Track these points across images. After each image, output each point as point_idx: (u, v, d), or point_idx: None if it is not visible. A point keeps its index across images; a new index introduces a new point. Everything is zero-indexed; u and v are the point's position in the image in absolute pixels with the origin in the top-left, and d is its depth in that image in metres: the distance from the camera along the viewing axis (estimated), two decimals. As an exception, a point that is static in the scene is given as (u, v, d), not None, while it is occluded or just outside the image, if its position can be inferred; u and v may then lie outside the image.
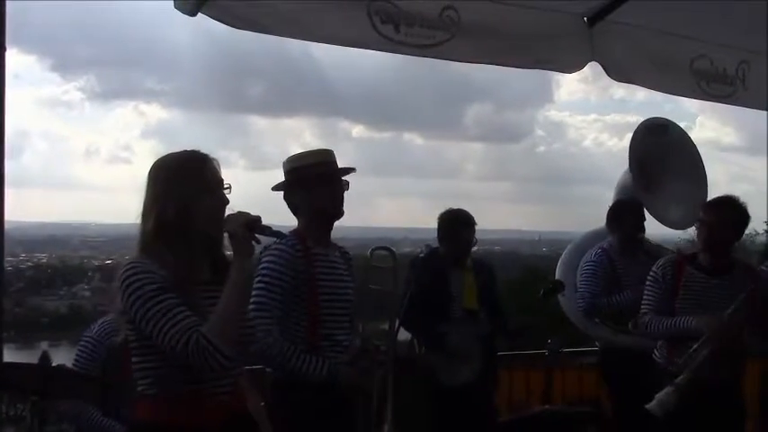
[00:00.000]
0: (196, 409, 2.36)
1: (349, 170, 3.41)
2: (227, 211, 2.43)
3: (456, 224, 4.61)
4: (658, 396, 3.71)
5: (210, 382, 2.37)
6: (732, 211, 3.98)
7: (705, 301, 3.90)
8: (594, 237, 5.39)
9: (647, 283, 4.05)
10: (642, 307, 4.03)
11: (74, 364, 3.60)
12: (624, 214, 5.01)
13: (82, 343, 3.60)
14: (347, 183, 3.38)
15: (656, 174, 5.28)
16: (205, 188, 2.39)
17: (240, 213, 2.39)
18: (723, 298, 3.88)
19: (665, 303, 3.96)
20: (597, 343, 5.28)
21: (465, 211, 4.67)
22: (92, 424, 3.48)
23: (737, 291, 3.87)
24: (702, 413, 3.79)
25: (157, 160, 2.47)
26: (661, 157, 5.27)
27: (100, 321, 3.63)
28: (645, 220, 5.01)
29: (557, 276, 5.42)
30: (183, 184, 2.37)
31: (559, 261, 5.65)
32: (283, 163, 3.44)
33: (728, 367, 3.88)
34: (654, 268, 4.06)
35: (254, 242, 2.40)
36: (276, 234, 2.51)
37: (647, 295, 4.02)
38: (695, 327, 3.80)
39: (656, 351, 4.09)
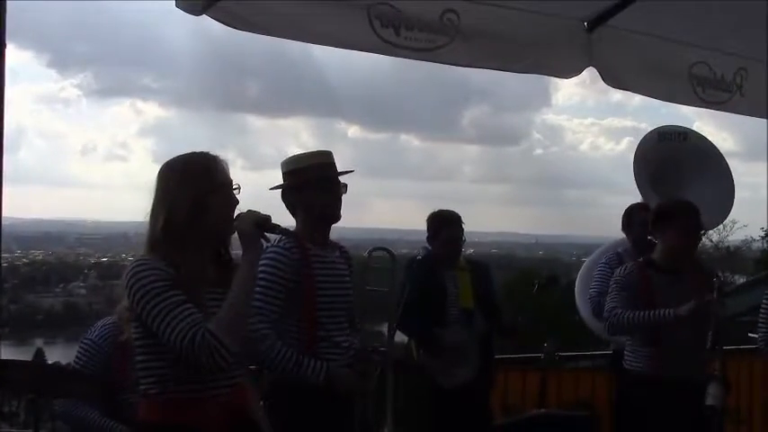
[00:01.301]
0: (198, 409, 2.36)
1: (347, 172, 3.41)
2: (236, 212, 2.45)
3: (443, 223, 4.62)
4: (711, 392, 3.79)
5: (213, 383, 2.37)
6: (698, 215, 4.09)
7: (676, 301, 3.94)
8: (618, 244, 5.44)
9: (614, 287, 4.10)
10: (611, 303, 4.07)
11: (79, 356, 3.56)
12: (634, 217, 5.09)
13: (82, 346, 3.58)
14: (345, 185, 3.38)
15: (676, 178, 5.30)
16: (216, 188, 2.41)
17: (249, 212, 2.42)
18: (687, 296, 3.93)
19: (632, 306, 4.00)
20: (611, 345, 5.31)
21: (452, 211, 4.71)
22: (86, 422, 3.47)
23: (694, 287, 3.96)
24: (667, 414, 3.87)
25: (167, 162, 2.49)
26: (680, 162, 5.29)
27: (101, 324, 3.60)
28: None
29: (578, 279, 5.47)
30: (195, 184, 2.39)
31: (583, 265, 5.72)
32: (282, 163, 3.44)
33: (692, 368, 3.90)
34: (618, 273, 4.12)
35: (262, 240, 2.43)
36: (285, 232, 2.54)
37: (614, 297, 4.07)
38: (675, 315, 3.85)
39: (627, 360, 4.12)
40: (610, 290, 4.12)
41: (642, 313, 3.93)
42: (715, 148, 5.61)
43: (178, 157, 2.48)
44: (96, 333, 3.56)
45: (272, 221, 2.44)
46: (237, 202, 2.46)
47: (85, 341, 3.57)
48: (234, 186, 2.47)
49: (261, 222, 2.40)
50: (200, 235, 2.37)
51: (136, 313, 2.32)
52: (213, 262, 2.45)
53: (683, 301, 3.91)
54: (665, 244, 4.10)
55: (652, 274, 4.06)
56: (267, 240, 2.47)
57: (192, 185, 2.38)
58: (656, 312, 3.91)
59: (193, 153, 2.48)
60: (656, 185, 5.23)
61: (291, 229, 3.23)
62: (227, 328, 2.28)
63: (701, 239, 4.24)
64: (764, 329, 4.07)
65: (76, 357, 3.57)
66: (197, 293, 2.33)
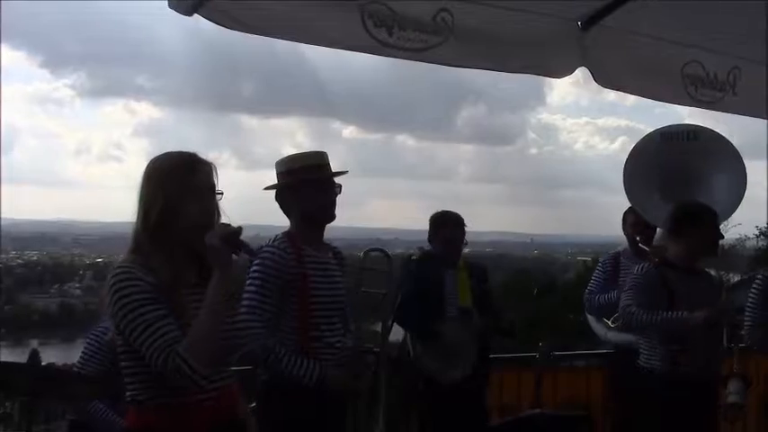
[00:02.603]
0: (183, 416, 2.34)
1: (341, 173, 3.41)
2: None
3: (446, 224, 4.72)
4: (732, 390, 3.82)
5: (198, 389, 2.33)
6: (718, 218, 4.19)
7: (694, 300, 4.01)
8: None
9: (630, 286, 4.13)
10: (625, 300, 4.09)
11: (81, 357, 3.64)
12: (625, 217, 5.20)
13: (94, 332, 3.64)
14: (340, 186, 3.38)
15: (682, 181, 5.26)
16: (191, 193, 2.36)
17: (220, 225, 2.35)
18: (704, 295, 4.04)
19: (649, 304, 4.03)
20: (609, 345, 5.34)
21: (455, 213, 4.80)
22: (96, 416, 3.53)
23: (710, 288, 4.10)
24: (685, 411, 3.90)
25: (152, 159, 2.45)
26: (687, 163, 5.23)
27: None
28: (647, 223, 5.08)
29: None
30: (170, 186, 2.35)
31: None
32: (276, 164, 3.44)
33: (709, 366, 4.00)
34: (636, 275, 4.15)
35: (234, 255, 2.35)
36: (249, 252, 2.42)
37: (630, 295, 4.09)
38: (689, 318, 3.91)
39: (644, 357, 4.13)
40: (627, 287, 4.16)
41: (656, 315, 3.96)
42: (729, 144, 5.51)
43: (162, 155, 2.44)
44: (107, 323, 3.61)
45: (240, 237, 2.34)
46: (213, 209, 2.39)
47: (97, 330, 3.63)
48: (218, 192, 2.42)
49: (229, 237, 2.32)
50: (175, 237, 2.34)
51: (116, 323, 2.30)
52: (195, 263, 2.39)
53: (701, 299, 3.98)
54: (687, 245, 4.13)
55: (669, 273, 4.10)
56: (237, 255, 2.36)
57: (169, 187, 2.34)
58: (670, 315, 3.94)
59: (178, 153, 2.43)
60: (659, 189, 5.17)
61: (275, 236, 3.28)
62: (196, 351, 2.23)
63: (722, 238, 4.30)
64: (751, 317, 4.17)
65: (86, 346, 3.64)
66: (177, 299, 2.31)
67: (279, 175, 3.41)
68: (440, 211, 4.81)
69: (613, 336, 5.03)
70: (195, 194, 2.36)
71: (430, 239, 4.76)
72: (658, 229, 5.03)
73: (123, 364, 2.38)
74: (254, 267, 3.21)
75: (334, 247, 3.51)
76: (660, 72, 3.98)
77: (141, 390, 2.35)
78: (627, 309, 4.02)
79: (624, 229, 5.22)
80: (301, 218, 3.35)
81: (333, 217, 3.37)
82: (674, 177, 5.17)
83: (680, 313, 3.94)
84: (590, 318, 5.31)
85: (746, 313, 4.20)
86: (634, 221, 5.10)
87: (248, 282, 3.16)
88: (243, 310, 2.81)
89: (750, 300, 4.21)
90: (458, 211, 4.80)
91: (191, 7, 2.68)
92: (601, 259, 5.41)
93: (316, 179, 3.32)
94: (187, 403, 2.34)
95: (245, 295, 3.06)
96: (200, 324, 2.27)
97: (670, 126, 5.36)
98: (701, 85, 4.03)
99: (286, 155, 3.46)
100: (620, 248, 5.30)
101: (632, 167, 5.09)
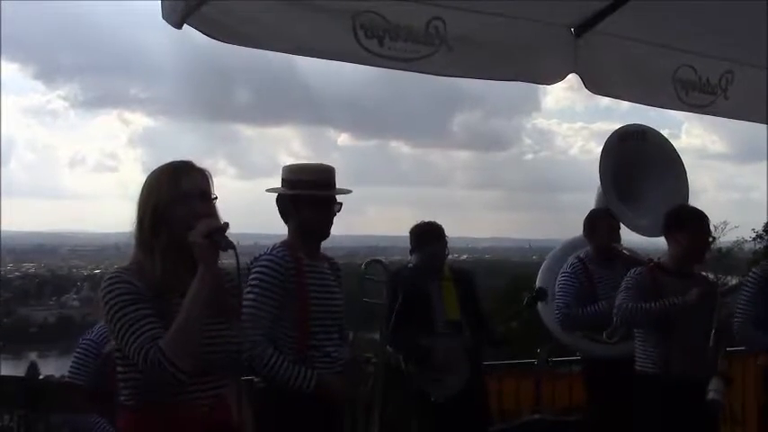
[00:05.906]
0: (173, 421, 2.35)
1: (345, 192, 3.41)
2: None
3: (426, 237, 4.58)
4: (712, 388, 3.86)
5: (189, 395, 2.35)
6: (708, 222, 4.25)
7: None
8: (575, 244, 5.41)
9: (624, 288, 4.16)
10: (619, 301, 4.12)
11: (71, 367, 3.67)
12: (598, 223, 5.04)
13: (81, 345, 3.67)
14: (340, 204, 3.39)
15: (634, 181, 5.28)
16: (178, 198, 2.38)
17: (204, 221, 2.35)
18: None
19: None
20: (578, 353, 5.31)
21: (435, 224, 4.66)
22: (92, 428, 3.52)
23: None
24: (678, 413, 3.96)
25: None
26: (638, 163, 5.26)
27: (99, 325, 3.69)
28: (619, 228, 5.05)
29: (538, 284, 5.44)
30: (158, 193, 2.39)
31: (541, 268, 5.66)
32: (283, 168, 3.45)
33: (702, 366, 3.99)
34: (628, 277, 4.18)
35: (221, 250, 2.36)
36: (230, 245, 2.37)
37: (623, 297, 4.12)
38: (682, 301, 3.98)
39: (638, 361, 4.15)
40: (620, 290, 4.18)
41: (651, 303, 4.01)
42: (673, 147, 5.52)
43: (162, 164, 2.48)
44: (95, 333, 3.68)
45: (224, 233, 2.35)
46: (198, 212, 2.37)
47: (85, 341, 3.68)
48: (213, 197, 2.44)
49: (211, 233, 2.32)
50: (166, 243, 2.36)
51: (108, 327, 2.36)
52: (191, 271, 2.37)
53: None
54: (677, 248, 4.17)
55: (662, 277, 4.14)
56: (224, 250, 2.36)
57: (157, 193, 2.38)
58: (664, 301, 3.99)
59: (171, 161, 2.48)
60: (618, 188, 5.18)
61: (271, 242, 3.30)
62: (175, 345, 2.24)
63: (710, 244, 4.30)
64: (742, 313, 4.17)
65: (75, 356, 3.66)
66: (167, 305, 2.32)
67: (283, 181, 3.41)
68: (421, 222, 4.66)
69: (600, 348, 4.86)
70: (183, 200, 2.38)
71: (412, 252, 4.60)
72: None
73: (119, 368, 2.40)
74: (254, 275, 3.22)
75: (330, 258, 3.53)
76: (652, 77, 3.99)
77: (132, 394, 2.37)
78: (621, 305, 4.07)
79: (593, 235, 5.01)
80: (297, 229, 3.36)
81: (327, 234, 3.40)
82: (625, 178, 5.20)
83: (673, 298, 3.99)
84: (565, 335, 5.08)
85: (738, 308, 4.18)
86: (611, 227, 5.00)
87: (247, 290, 3.17)
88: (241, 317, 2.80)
89: (743, 295, 4.20)
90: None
91: (179, 18, 2.68)
92: (567, 268, 5.00)
93: (316, 196, 3.32)
94: (178, 408, 2.35)
95: (244, 303, 3.06)
96: (180, 318, 2.28)
97: (628, 125, 5.37)
98: (692, 89, 4.03)
99: (294, 162, 3.45)
100: (580, 254, 5.06)
101: (602, 168, 5.11)
